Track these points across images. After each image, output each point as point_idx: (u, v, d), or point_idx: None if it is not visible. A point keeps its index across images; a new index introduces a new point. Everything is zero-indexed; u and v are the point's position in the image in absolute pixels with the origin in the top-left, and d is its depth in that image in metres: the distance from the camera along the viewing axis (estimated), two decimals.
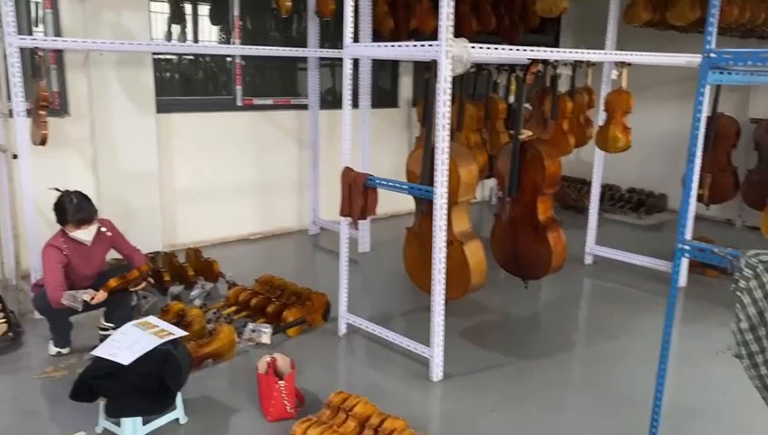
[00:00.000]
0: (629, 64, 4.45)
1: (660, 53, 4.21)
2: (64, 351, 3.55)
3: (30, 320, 3.86)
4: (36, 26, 4.76)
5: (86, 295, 3.36)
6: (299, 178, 6.14)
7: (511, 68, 5.30)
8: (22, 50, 3.76)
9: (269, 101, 5.98)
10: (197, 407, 3.05)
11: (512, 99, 5.48)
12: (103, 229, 3.56)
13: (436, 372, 3.36)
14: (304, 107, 5.95)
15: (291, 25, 6.20)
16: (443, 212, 3.17)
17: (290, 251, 5.84)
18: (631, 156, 5.13)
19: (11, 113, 3.75)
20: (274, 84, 6.30)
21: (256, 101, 5.90)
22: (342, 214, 3.67)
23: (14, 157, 3.81)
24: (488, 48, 3.16)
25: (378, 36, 5.42)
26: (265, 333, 3.72)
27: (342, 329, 3.89)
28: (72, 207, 3.37)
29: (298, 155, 6.10)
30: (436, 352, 3.34)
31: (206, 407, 3.08)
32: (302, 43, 5.78)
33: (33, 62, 4.19)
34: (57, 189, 3.44)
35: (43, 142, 3.94)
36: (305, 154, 6.05)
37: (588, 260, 5.37)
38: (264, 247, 5.80)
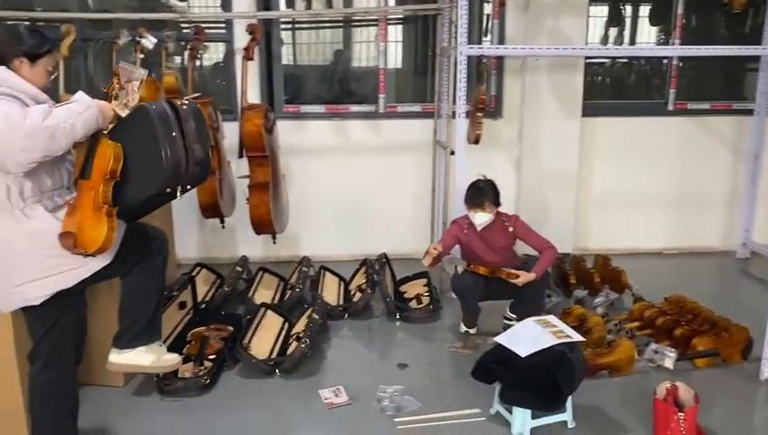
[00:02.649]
0: None
1: None
2: (471, 331, 3.89)
3: (449, 298, 4.32)
4: (485, 36, 5.29)
5: (459, 267, 3.81)
6: (730, 193, 5.45)
7: None
8: (469, 58, 4.19)
9: (705, 106, 5.44)
10: (587, 415, 2.99)
11: None
12: (506, 223, 3.80)
13: None
14: (749, 112, 5.23)
15: (744, 21, 5.50)
16: None
17: (708, 273, 5.23)
18: None
19: (453, 115, 4.24)
20: (714, 87, 5.70)
21: (690, 106, 5.43)
22: None
23: (452, 153, 4.30)
24: None
25: None
26: (669, 358, 3.42)
27: (765, 373, 3.31)
28: (473, 190, 3.75)
29: (732, 166, 5.41)
30: None
31: (595, 417, 3.00)
32: (756, 40, 5.06)
33: (478, 69, 4.67)
34: (483, 176, 3.83)
35: (476, 141, 4.37)
36: (742, 166, 5.32)
37: None
38: (678, 265, 5.33)
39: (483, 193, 3.72)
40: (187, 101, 2.38)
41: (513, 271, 3.72)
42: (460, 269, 3.87)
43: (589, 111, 5.19)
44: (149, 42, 3.96)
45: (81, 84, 4.69)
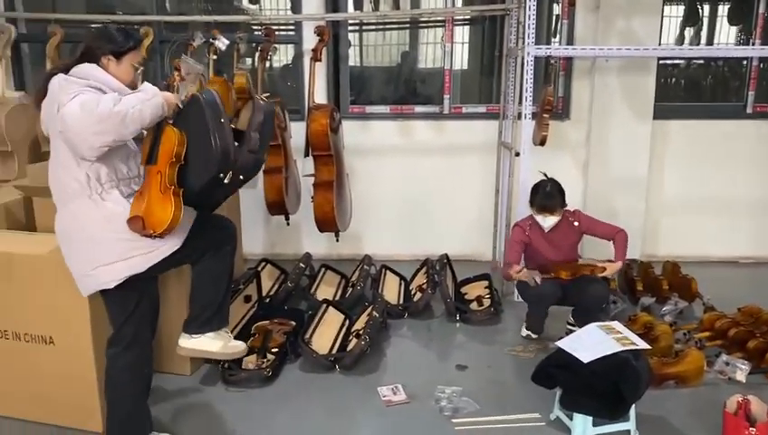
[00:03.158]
0: None
1: None
2: (534, 336, 3.83)
3: (510, 301, 4.29)
4: (554, 37, 5.20)
5: (537, 278, 3.55)
6: None
7: None
8: (537, 58, 4.14)
9: None
10: (651, 425, 2.91)
11: None
12: (571, 220, 3.72)
13: None
14: None
15: None
16: None
17: None
18: None
19: (519, 116, 4.20)
20: None
21: None
22: None
23: (517, 154, 4.27)
24: None
25: None
26: (741, 370, 3.28)
27: None
28: (542, 194, 3.65)
29: None
30: None
31: (660, 428, 2.92)
32: None
33: (546, 70, 4.61)
34: (544, 174, 3.76)
35: (542, 143, 4.31)
36: None
37: None
38: (755, 275, 5.09)
39: (553, 197, 3.65)
40: (265, 97, 2.50)
41: (599, 265, 3.65)
42: (539, 280, 3.58)
43: (661, 113, 5.03)
44: (222, 43, 4.10)
45: (159, 84, 4.90)
